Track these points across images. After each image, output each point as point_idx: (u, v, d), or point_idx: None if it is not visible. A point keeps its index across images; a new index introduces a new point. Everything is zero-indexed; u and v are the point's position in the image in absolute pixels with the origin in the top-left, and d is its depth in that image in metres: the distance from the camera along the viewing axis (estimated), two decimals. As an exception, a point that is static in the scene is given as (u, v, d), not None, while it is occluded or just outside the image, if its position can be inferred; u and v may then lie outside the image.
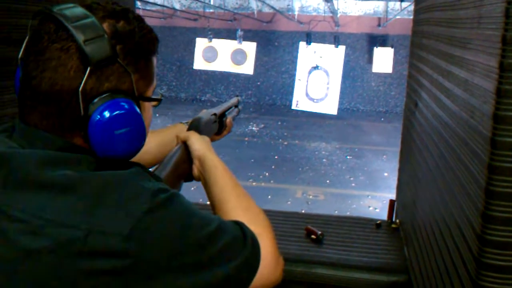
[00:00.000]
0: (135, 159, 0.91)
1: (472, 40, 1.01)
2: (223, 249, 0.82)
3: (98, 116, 0.77)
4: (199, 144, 1.15)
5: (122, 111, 0.79)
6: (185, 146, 1.17)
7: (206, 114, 1.34)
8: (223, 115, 1.45)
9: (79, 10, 0.79)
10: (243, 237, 0.87)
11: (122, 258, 0.71)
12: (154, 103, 0.91)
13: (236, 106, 1.58)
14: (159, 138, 1.31)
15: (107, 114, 0.78)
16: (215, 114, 1.38)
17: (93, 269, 0.70)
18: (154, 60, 0.89)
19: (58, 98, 0.77)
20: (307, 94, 8.96)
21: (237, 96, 1.62)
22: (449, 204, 1.13)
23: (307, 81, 8.89)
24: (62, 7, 0.79)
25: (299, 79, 8.91)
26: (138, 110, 0.82)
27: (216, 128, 1.40)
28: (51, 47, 0.77)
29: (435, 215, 1.28)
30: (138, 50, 0.83)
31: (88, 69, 0.76)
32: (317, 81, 8.84)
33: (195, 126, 1.26)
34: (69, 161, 0.77)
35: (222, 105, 1.49)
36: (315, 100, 8.92)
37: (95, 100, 0.78)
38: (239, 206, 1.00)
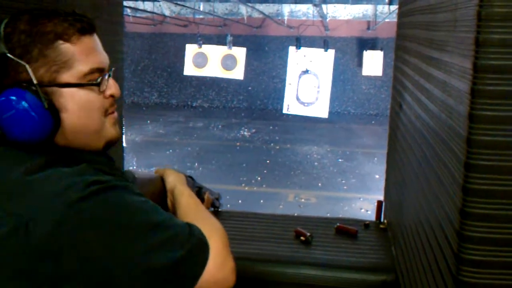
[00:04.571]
0: None
1: (448, 42, 1.04)
2: (165, 241, 0.86)
3: None
4: (172, 177, 1.25)
5: (3, 98, 0.90)
6: (162, 180, 1.26)
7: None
8: (200, 187, 1.47)
9: None
10: (189, 233, 0.90)
11: (56, 241, 0.80)
12: (87, 87, 0.95)
13: (217, 199, 1.66)
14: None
15: None
16: (191, 178, 1.41)
17: (37, 252, 0.79)
18: (64, 45, 0.92)
19: None
20: (297, 98, 9.00)
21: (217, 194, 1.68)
22: (431, 202, 1.16)
23: (298, 85, 8.93)
24: None
25: (290, 83, 8.95)
26: (24, 95, 0.89)
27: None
28: None
29: (419, 214, 1.30)
30: (28, 40, 0.90)
31: None
32: (308, 85, 8.89)
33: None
34: (23, 160, 0.89)
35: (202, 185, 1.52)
36: (305, 104, 8.96)
37: None
38: (196, 218, 1.00)
